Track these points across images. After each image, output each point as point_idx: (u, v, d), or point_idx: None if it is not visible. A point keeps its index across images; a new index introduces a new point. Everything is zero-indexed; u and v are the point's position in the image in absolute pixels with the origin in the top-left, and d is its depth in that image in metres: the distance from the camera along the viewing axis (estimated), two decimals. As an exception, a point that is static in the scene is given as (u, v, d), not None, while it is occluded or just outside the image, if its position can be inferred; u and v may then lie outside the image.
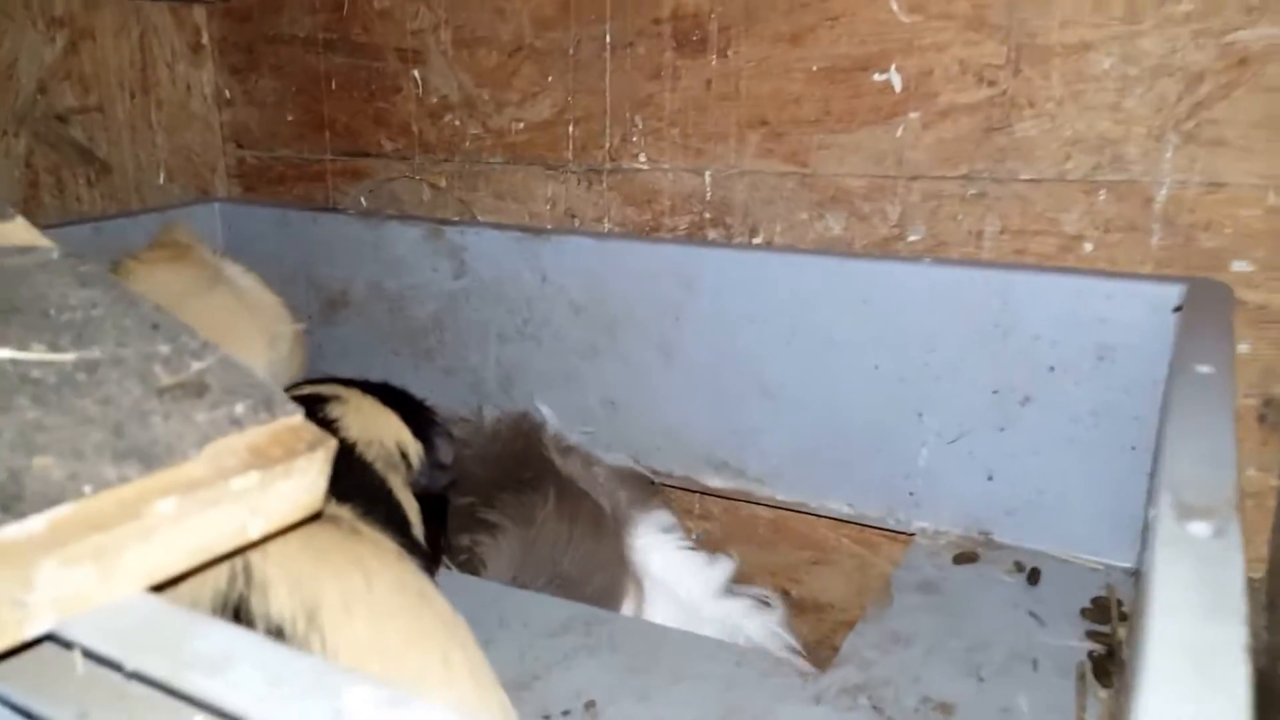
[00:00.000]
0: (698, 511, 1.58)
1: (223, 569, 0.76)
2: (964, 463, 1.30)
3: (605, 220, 1.57)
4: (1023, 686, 1.04)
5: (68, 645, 0.56)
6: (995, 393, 1.27)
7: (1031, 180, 1.28)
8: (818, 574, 1.51)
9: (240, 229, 1.83)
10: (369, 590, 0.81)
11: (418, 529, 1.07)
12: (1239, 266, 1.20)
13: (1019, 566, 1.25)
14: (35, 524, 0.53)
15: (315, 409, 1.08)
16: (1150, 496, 0.80)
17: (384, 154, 1.76)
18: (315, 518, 0.71)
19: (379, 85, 1.73)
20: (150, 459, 0.59)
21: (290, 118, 1.85)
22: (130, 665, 0.53)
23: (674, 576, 1.33)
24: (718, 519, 1.58)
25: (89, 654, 0.56)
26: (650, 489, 1.44)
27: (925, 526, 1.34)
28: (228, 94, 1.91)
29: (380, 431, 1.10)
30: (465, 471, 1.38)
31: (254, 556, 0.77)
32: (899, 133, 1.34)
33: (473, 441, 1.46)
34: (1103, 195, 1.25)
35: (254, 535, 0.64)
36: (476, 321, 1.61)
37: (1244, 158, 1.17)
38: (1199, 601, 0.55)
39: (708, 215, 1.49)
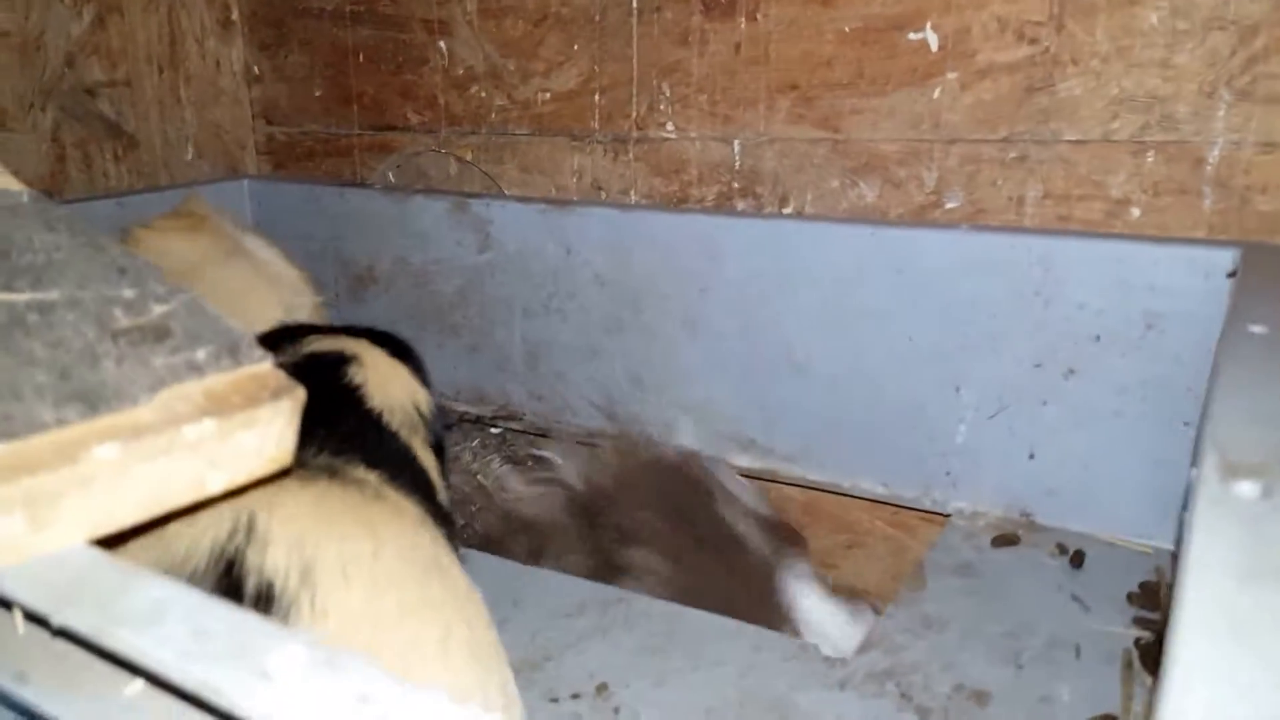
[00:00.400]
0: (729, 493, 1.53)
1: (226, 521, 0.73)
2: (1004, 439, 1.24)
3: (632, 192, 1.52)
4: (1064, 674, 0.98)
5: (4, 600, 0.52)
6: (1037, 365, 1.20)
7: (1075, 142, 1.21)
8: (852, 558, 1.45)
9: (269, 206, 1.79)
10: (375, 557, 0.77)
11: (442, 494, 1.03)
12: (1296, 231, 1.12)
13: (1061, 549, 1.18)
14: (-47, 466, 0.48)
15: (338, 372, 1.04)
16: (1195, 456, 0.74)
17: (410, 127, 1.72)
18: (286, 474, 0.66)
19: (406, 57, 1.69)
20: (95, 403, 0.55)
21: (318, 93, 1.81)
22: (57, 620, 0.49)
23: (823, 628, 1.27)
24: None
25: (14, 607, 0.52)
26: (793, 537, 1.38)
27: (963, 507, 1.27)
28: (256, 70, 1.88)
29: (399, 392, 1.06)
30: (609, 492, 1.34)
31: (261, 512, 0.74)
32: (935, 94, 1.28)
33: (622, 464, 1.41)
34: (1151, 157, 1.18)
35: (214, 489, 0.59)
36: (501, 296, 1.57)
37: (1302, 115, 1.10)
38: (1241, 563, 0.49)
39: (736, 185, 1.43)
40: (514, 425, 1.61)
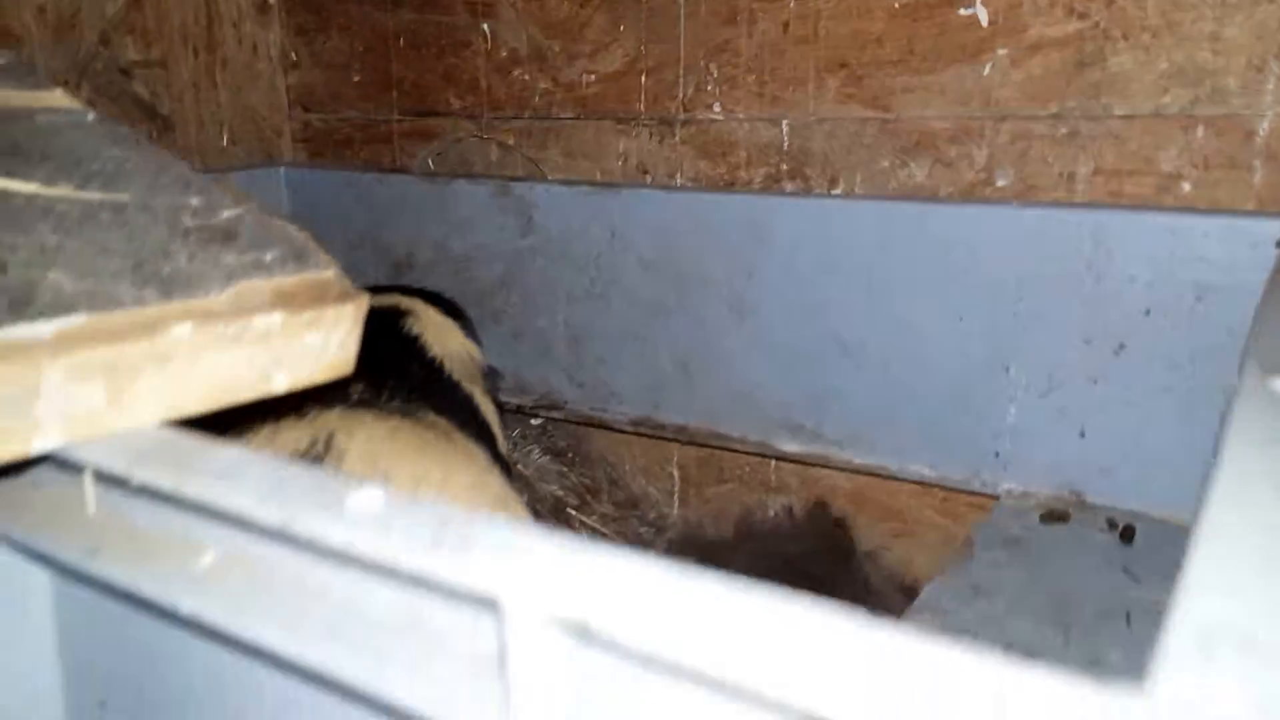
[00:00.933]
0: (774, 483, 1.56)
1: (305, 435, 0.80)
2: (1054, 418, 1.27)
3: (678, 175, 1.57)
4: (1115, 640, 1.01)
5: (76, 467, 0.56)
6: (1087, 341, 1.23)
7: (1126, 117, 1.25)
8: (901, 546, 1.48)
9: (305, 193, 1.85)
10: (445, 482, 0.83)
11: (502, 444, 1.08)
12: (1349, 203, 1.16)
13: (1112, 525, 1.21)
14: (43, 329, 0.53)
15: (397, 324, 1.10)
16: (1238, 368, 0.78)
17: (452, 112, 1.77)
18: (347, 384, 0.71)
19: (448, 40, 1.75)
20: (171, 289, 0.59)
21: (357, 78, 1.87)
22: (137, 479, 0.53)
23: None
24: (795, 492, 1.55)
25: (99, 471, 0.56)
26: None
27: (1012, 488, 1.30)
28: (294, 55, 1.94)
29: (455, 345, 1.12)
30: (753, 560, 1.38)
31: (340, 434, 0.80)
32: (986, 71, 1.32)
33: (761, 530, 1.46)
34: (1202, 130, 1.21)
35: (278, 388, 0.63)
36: (544, 281, 1.61)
37: (1357, 85, 1.14)
38: (1275, 433, 0.53)
39: (785, 167, 1.47)
40: (555, 414, 1.65)
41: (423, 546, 0.43)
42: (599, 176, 1.64)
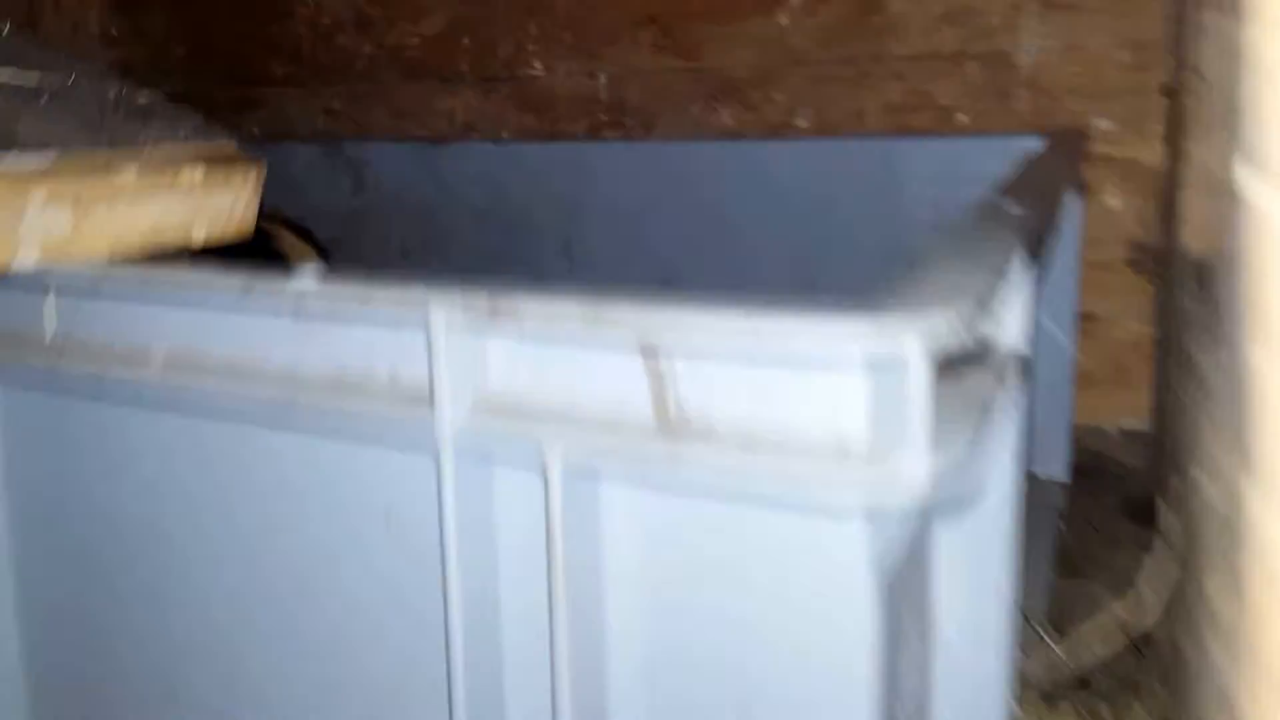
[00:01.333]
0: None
1: None
2: (858, 331, 1.47)
3: (504, 131, 1.73)
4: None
5: (42, 287, 0.72)
6: (886, 257, 1.44)
7: (907, 57, 1.47)
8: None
9: (131, 168, 1.95)
10: None
11: None
12: (1103, 124, 1.39)
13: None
14: (30, 161, 0.68)
15: (265, 242, 1.24)
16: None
17: (275, 81, 1.91)
18: (249, 245, 0.87)
19: (270, 11, 1.88)
20: (114, 144, 0.75)
21: (179, 52, 1.99)
22: (105, 288, 0.69)
23: None
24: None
25: (64, 289, 0.71)
26: None
27: (823, 397, 1.50)
28: (114, 31, 2.05)
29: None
30: None
31: None
32: (783, 21, 1.53)
33: None
34: (973, 66, 1.44)
35: (197, 238, 0.79)
36: (378, 238, 1.76)
37: (1099, 21, 1.38)
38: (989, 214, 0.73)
39: (604, 117, 1.66)
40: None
41: (364, 288, 0.60)
42: (426, 135, 1.80)
